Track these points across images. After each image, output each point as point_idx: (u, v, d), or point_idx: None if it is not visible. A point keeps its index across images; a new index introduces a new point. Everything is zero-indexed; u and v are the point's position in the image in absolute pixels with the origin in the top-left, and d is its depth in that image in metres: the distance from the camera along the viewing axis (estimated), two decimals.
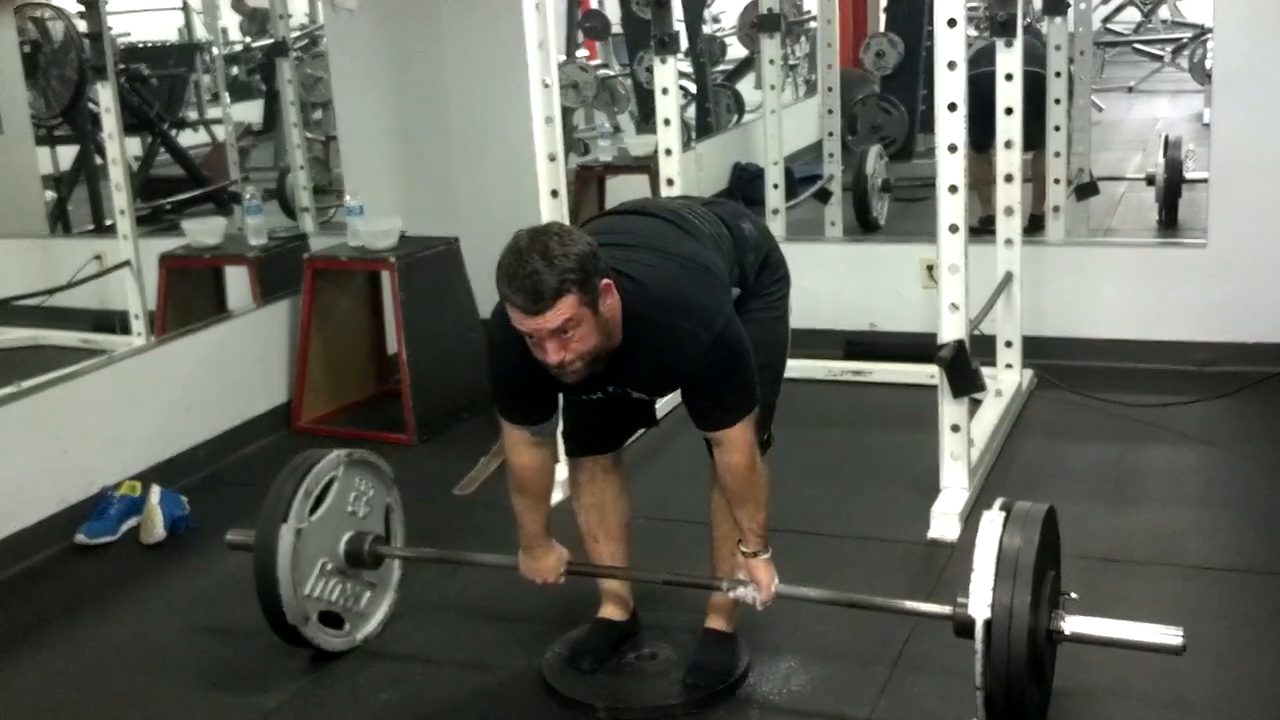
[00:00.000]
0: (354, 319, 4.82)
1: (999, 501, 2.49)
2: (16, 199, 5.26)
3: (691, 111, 7.27)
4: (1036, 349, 4.50)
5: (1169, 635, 2.37)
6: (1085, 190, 5.75)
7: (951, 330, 3.41)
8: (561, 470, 2.99)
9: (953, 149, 3.27)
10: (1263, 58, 4.36)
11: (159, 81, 5.77)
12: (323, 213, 5.45)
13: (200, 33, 5.93)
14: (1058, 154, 5.14)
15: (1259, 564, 3.23)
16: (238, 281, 4.69)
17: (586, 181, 6.08)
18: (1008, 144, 4.04)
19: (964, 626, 2.37)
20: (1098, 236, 5.79)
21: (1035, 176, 5.21)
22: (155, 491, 3.77)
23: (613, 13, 7.40)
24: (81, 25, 4.33)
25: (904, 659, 2.84)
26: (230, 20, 5.98)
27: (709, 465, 2.63)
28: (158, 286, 4.50)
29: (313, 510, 2.85)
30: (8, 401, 3.70)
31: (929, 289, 4.49)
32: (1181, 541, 3.38)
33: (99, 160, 4.89)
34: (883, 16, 8.23)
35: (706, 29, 7.74)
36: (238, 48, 6.03)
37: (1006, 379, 4.33)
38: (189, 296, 4.62)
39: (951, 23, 3.20)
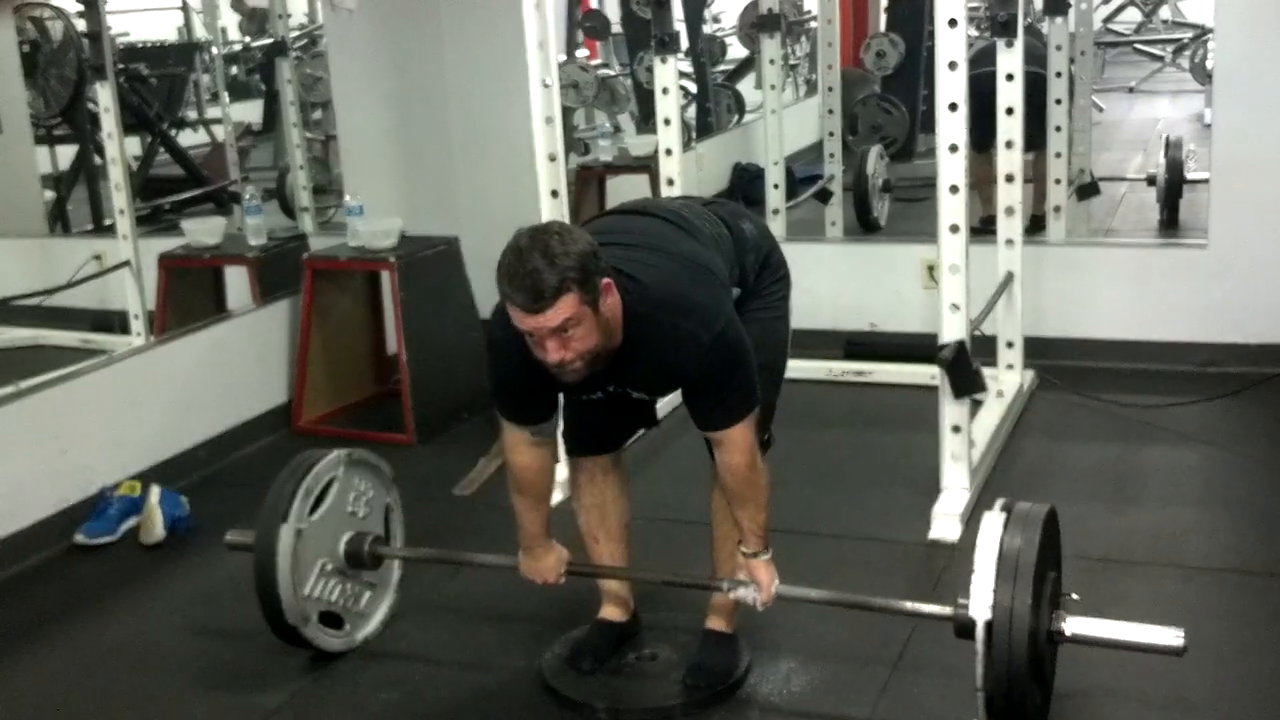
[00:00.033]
0: (354, 319, 4.81)
1: (1000, 502, 2.49)
2: (16, 199, 5.27)
3: (692, 111, 7.27)
4: (1037, 349, 4.50)
5: (1170, 636, 2.36)
6: (1086, 191, 5.76)
7: (952, 331, 3.41)
8: (561, 470, 2.99)
9: (954, 149, 3.27)
10: (1264, 58, 4.36)
11: (158, 81, 5.78)
12: (322, 213, 5.44)
13: (200, 32, 5.94)
14: (1059, 154, 5.14)
15: (1259, 564, 3.23)
16: (237, 281, 4.69)
17: (587, 181, 6.08)
18: (1009, 144, 4.04)
19: (965, 627, 2.36)
20: (1099, 237, 5.79)
21: (1036, 177, 5.21)
22: (155, 491, 3.77)
23: (613, 12, 7.40)
24: (80, 25, 4.32)
25: (904, 660, 2.83)
26: (230, 20, 5.98)
27: (709, 466, 2.63)
28: (157, 286, 4.49)
29: (313, 510, 2.85)
30: (7, 401, 3.69)
31: (930, 289, 4.49)
32: (1182, 542, 3.37)
33: (98, 160, 4.89)
34: (883, 16, 8.23)
35: (707, 29, 7.74)
36: (237, 47, 6.03)
37: (1007, 379, 4.33)
38: (188, 296, 4.62)
39: (952, 23, 3.19)
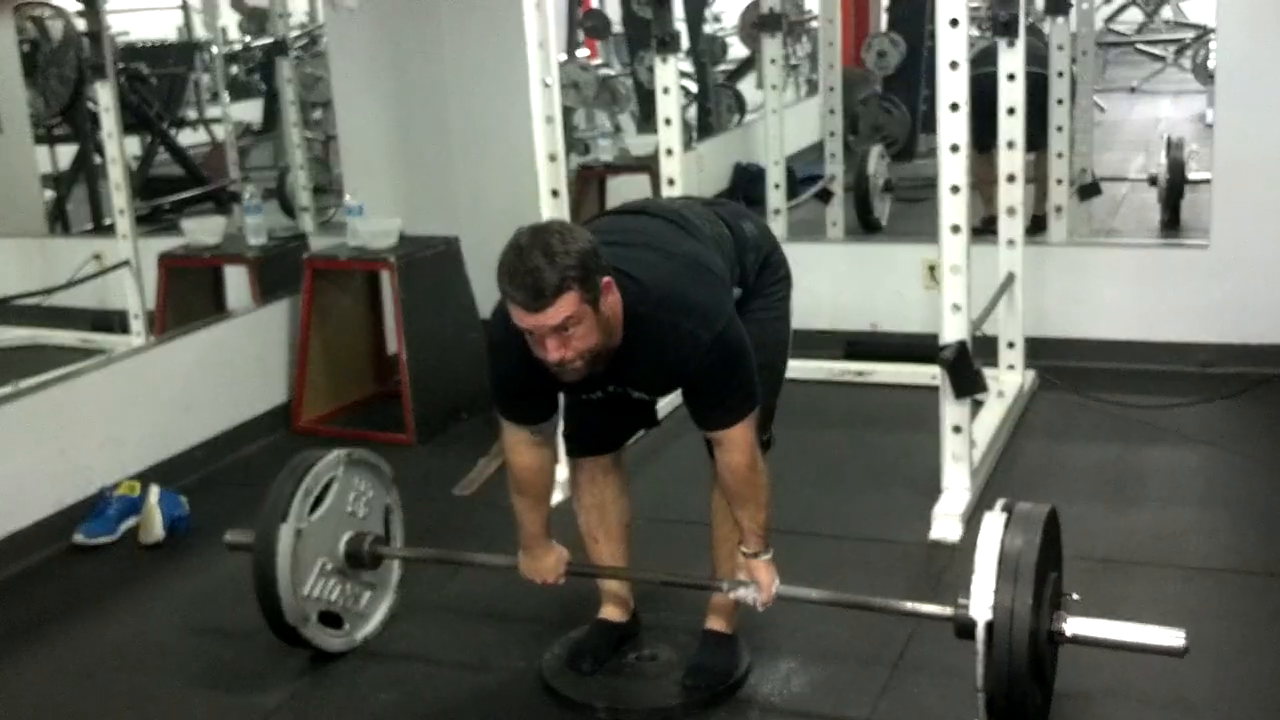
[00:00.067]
0: (353, 319, 4.81)
1: (1000, 502, 2.49)
2: (15, 198, 5.26)
3: (693, 111, 7.26)
4: (1038, 350, 4.50)
5: (1171, 637, 2.36)
6: (1087, 191, 5.75)
7: (953, 331, 3.41)
8: (562, 470, 2.98)
9: (955, 149, 3.27)
10: (1265, 58, 4.36)
11: (158, 80, 5.77)
12: (322, 212, 5.43)
13: (200, 32, 5.92)
14: (1060, 154, 5.13)
15: (1259, 564, 3.22)
16: (237, 281, 4.69)
17: (587, 181, 6.08)
18: (1010, 144, 4.04)
19: (965, 628, 2.36)
20: (1100, 237, 5.78)
21: (1037, 177, 5.20)
22: (154, 491, 3.76)
23: (613, 12, 7.39)
24: (80, 24, 4.32)
25: (905, 660, 2.83)
26: (230, 19, 5.97)
27: (709, 466, 2.62)
28: (157, 286, 4.49)
29: (312, 510, 2.85)
30: (6, 401, 3.69)
31: (931, 289, 4.49)
32: (1182, 542, 3.37)
33: (98, 159, 4.88)
34: (884, 16, 8.22)
35: (707, 28, 7.73)
36: (237, 47, 6.02)
37: (1008, 380, 4.32)
38: (188, 296, 4.62)
39: (954, 23, 3.19)
